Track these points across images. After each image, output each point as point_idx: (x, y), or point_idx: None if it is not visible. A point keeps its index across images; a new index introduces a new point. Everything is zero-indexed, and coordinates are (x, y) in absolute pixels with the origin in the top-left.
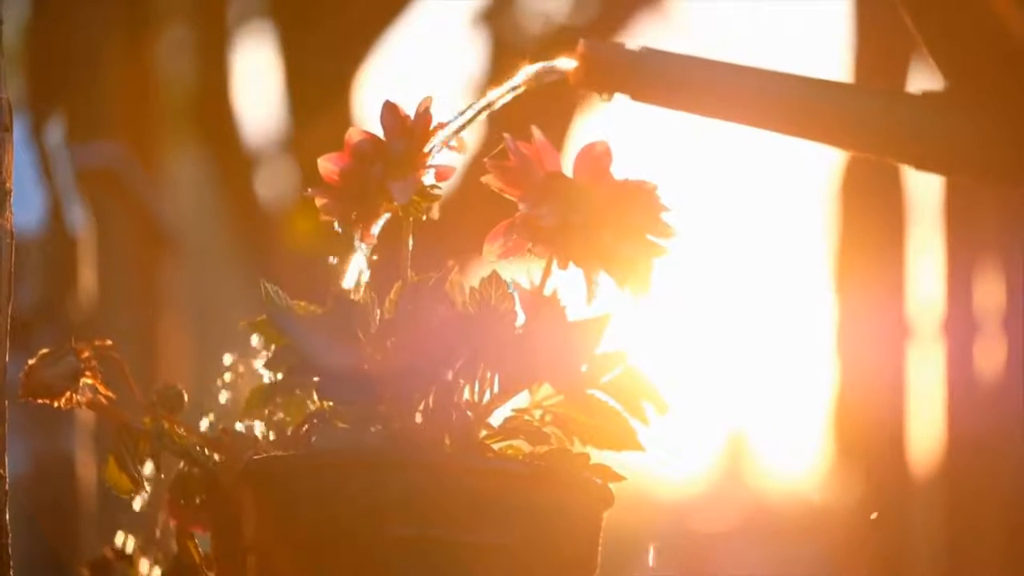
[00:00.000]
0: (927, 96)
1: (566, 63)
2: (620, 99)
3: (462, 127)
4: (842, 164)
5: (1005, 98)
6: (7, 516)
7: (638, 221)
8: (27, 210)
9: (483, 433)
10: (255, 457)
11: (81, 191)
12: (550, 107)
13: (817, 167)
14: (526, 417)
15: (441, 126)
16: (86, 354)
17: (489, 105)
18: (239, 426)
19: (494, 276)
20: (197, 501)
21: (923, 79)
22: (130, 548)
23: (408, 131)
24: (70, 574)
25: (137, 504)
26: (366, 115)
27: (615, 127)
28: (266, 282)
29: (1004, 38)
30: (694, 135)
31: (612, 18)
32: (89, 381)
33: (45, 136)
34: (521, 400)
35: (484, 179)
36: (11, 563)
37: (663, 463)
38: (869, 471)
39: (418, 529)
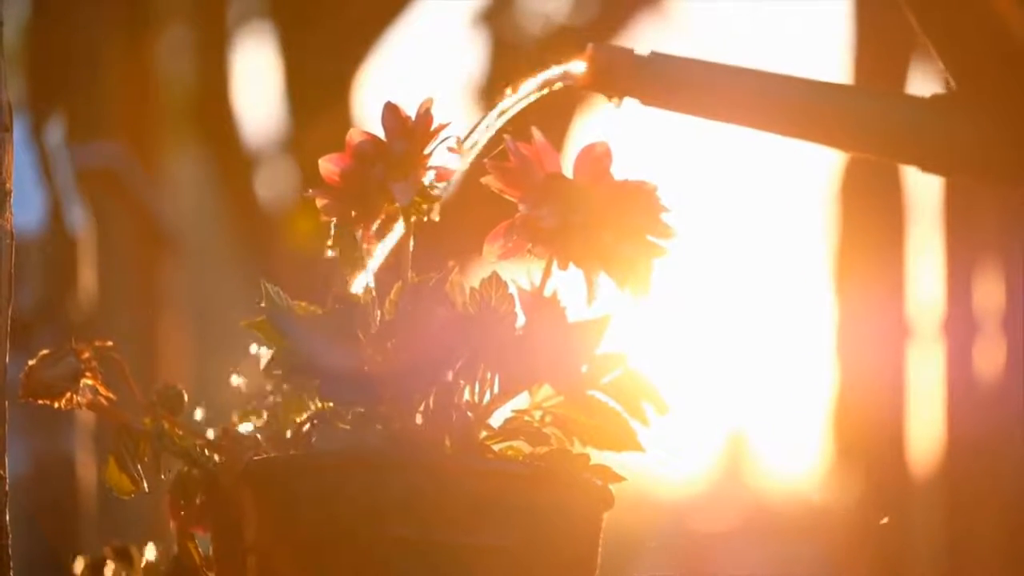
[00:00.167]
0: (927, 97)
1: (576, 67)
2: (629, 103)
3: (486, 139)
4: (842, 165)
5: (1005, 98)
6: (7, 516)
7: (638, 222)
8: (27, 210)
9: (483, 434)
10: (255, 458)
11: (81, 191)
12: (550, 107)
13: (817, 168)
14: (526, 418)
15: (442, 127)
16: (86, 355)
17: (503, 113)
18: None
19: (494, 277)
20: (197, 502)
21: (923, 79)
22: (129, 548)
23: (409, 132)
24: (70, 574)
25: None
26: (366, 115)
27: (615, 128)
28: (266, 282)
29: (1005, 38)
30: (694, 136)
31: (612, 18)
32: (89, 382)
33: (45, 136)
34: (521, 401)
35: (484, 180)
36: (11, 563)
37: (663, 463)
38: (869, 471)
39: (418, 530)
